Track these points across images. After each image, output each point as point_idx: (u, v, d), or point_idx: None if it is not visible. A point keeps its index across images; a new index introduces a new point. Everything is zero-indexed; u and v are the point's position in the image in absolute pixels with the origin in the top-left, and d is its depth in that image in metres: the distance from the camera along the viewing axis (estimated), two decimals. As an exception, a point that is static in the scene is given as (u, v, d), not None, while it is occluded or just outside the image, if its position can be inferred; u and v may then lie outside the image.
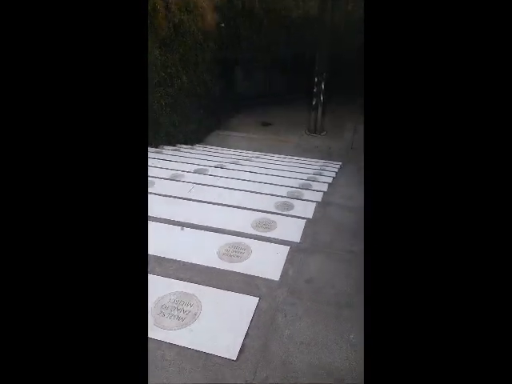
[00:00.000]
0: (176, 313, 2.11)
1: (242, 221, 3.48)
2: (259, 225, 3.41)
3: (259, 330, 2.05)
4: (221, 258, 2.75)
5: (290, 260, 2.79)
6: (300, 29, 9.86)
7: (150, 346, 1.89)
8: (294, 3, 9.57)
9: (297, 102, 11.65)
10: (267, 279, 2.55)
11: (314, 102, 9.79)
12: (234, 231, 3.22)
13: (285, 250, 2.91)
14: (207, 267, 2.63)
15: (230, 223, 3.41)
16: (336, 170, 7.16)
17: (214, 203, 3.95)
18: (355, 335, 2.05)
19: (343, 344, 2.00)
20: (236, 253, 2.82)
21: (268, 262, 2.74)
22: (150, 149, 7.45)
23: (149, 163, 5.63)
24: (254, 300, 2.28)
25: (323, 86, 9.42)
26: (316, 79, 9.38)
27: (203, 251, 2.84)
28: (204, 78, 8.72)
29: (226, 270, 2.62)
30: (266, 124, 11.07)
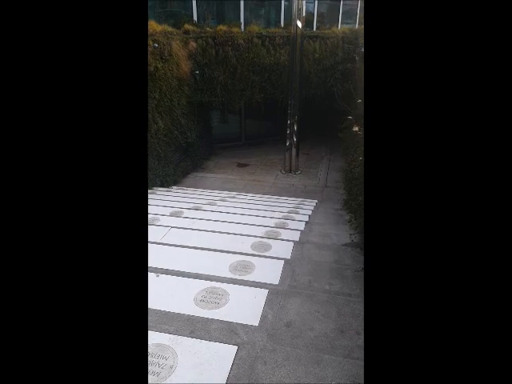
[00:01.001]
0: (151, 367, 1.99)
1: (219, 264, 3.42)
2: (236, 268, 3.36)
3: (238, 382, 1.96)
4: (197, 305, 2.66)
5: (269, 303, 2.73)
6: (272, 74, 10.35)
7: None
8: (266, 51, 10.10)
9: (272, 144, 11.98)
10: (246, 325, 2.47)
11: (287, 143, 10.08)
12: (211, 276, 3.15)
13: (263, 293, 2.86)
14: (183, 315, 2.54)
15: (207, 267, 3.34)
16: (312, 208, 7.26)
17: (189, 247, 3.88)
18: (337, 381, 1.99)
19: (326, 392, 1.93)
20: (213, 299, 2.75)
21: (246, 307, 2.67)
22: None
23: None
24: (233, 349, 2.19)
25: (296, 128, 9.76)
26: (289, 121, 9.74)
27: (179, 298, 2.74)
28: (180, 121, 8.88)
29: (204, 318, 2.53)
30: (241, 165, 11.24)
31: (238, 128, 13.01)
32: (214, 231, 4.60)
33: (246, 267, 3.39)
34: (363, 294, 2.98)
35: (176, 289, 2.89)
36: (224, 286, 2.94)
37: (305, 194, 9.00)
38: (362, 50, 8.51)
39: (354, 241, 4.52)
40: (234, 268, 3.36)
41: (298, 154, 10.34)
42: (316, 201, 8.09)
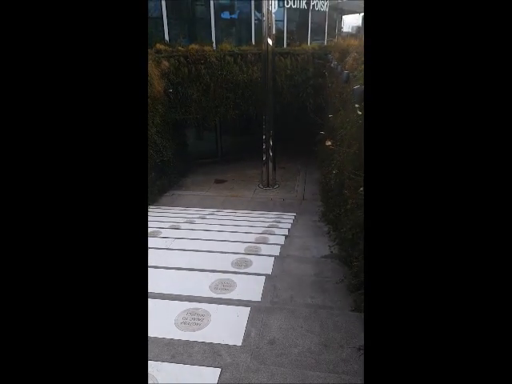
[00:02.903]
0: (130, 398, 1.91)
1: (200, 284, 3.37)
2: (217, 286, 3.31)
3: (223, 406, 1.91)
4: (178, 328, 2.60)
5: (251, 321, 2.70)
6: (245, 91, 10.47)
7: None
8: (239, 68, 10.23)
9: (248, 159, 12.03)
10: (229, 345, 2.43)
11: (264, 158, 10.15)
12: (192, 296, 3.09)
13: (245, 311, 2.82)
14: (164, 339, 2.46)
15: (187, 288, 3.27)
16: (291, 221, 7.29)
17: (169, 268, 3.80)
18: (323, 397, 1.98)
19: (312, 409, 1.91)
20: (195, 320, 2.69)
21: (229, 327, 2.63)
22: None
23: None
24: (216, 371, 2.14)
25: (271, 142, 9.86)
26: (264, 136, 9.83)
27: (159, 322, 2.67)
28: (155, 140, 8.81)
29: (185, 341, 2.47)
30: (219, 181, 11.21)
31: (215, 144, 13.02)
32: (193, 250, 4.54)
33: (227, 285, 3.35)
34: (346, 305, 3.00)
35: (155, 312, 2.81)
36: (205, 306, 2.89)
37: (283, 207, 9.04)
38: (332, 65, 8.77)
39: (333, 252, 4.55)
40: (215, 287, 3.31)
41: (274, 168, 10.42)
42: (295, 214, 8.13)
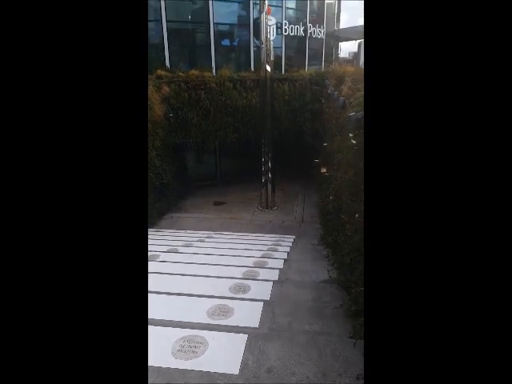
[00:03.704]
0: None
1: (197, 310, 3.34)
2: (215, 313, 3.28)
3: None
4: (175, 356, 2.57)
5: (249, 348, 2.67)
6: (244, 115, 10.68)
7: None
8: (238, 93, 10.47)
9: (247, 181, 12.11)
10: (226, 374, 2.40)
11: (263, 180, 10.24)
12: (189, 323, 3.06)
13: (243, 338, 2.80)
14: (160, 368, 2.43)
15: (184, 314, 3.25)
16: (290, 245, 7.27)
17: (166, 293, 3.78)
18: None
19: None
20: (192, 348, 2.66)
21: (226, 355, 2.60)
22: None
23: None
24: (213, 402, 2.11)
25: (270, 165, 9.97)
26: (263, 159, 9.95)
27: (155, 349, 2.63)
28: (154, 163, 8.90)
29: (182, 369, 2.43)
30: (218, 203, 11.25)
31: (214, 167, 13.15)
32: (191, 275, 4.52)
33: (225, 311, 3.33)
34: (344, 332, 2.97)
35: (151, 339, 2.77)
36: (202, 333, 2.86)
37: (282, 229, 9.04)
38: (329, 91, 8.97)
39: (332, 277, 4.53)
40: (213, 313, 3.29)
41: (273, 190, 10.49)
42: (294, 236, 8.12)
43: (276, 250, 6.57)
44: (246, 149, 12.31)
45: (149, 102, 8.61)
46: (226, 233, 8.62)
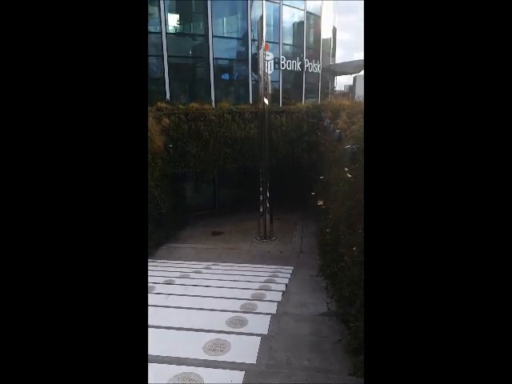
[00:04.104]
0: None
1: (193, 345, 3.26)
2: (211, 348, 3.20)
3: None
4: (169, 395, 2.48)
5: (245, 387, 2.59)
6: (243, 146, 10.86)
7: None
8: (237, 125, 10.70)
9: (246, 210, 12.12)
10: (222, 415, 2.31)
11: (261, 209, 10.25)
12: (184, 359, 2.98)
13: (240, 375, 2.72)
14: (154, 408, 2.35)
15: (179, 350, 3.17)
16: (288, 276, 7.17)
17: (160, 327, 3.69)
18: None
19: None
20: (187, 386, 2.58)
21: (222, 393, 2.52)
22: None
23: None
24: None
25: (268, 194, 10.02)
26: (261, 188, 10.02)
27: (149, 388, 2.55)
28: (153, 193, 8.93)
29: (176, 410, 2.35)
30: (216, 233, 11.19)
31: (212, 196, 13.20)
32: (187, 308, 4.43)
33: (222, 346, 3.25)
34: (344, 368, 2.90)
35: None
36: (198, 370, 2.78)
37: (281, 260, 8.95)
38: (325, 124, 9.17)
39: (331, 309, 4.46)
40: (209, 348, 3.21)
41: (271, 220, 10.47)
42: (292, 267, 8.03)
43: (274, 282, 6.48)
44: (244, 179, 12.41)
45: (149, 134, 8.76)
46: (223, 264, 8.53)
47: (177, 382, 2.61)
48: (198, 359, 3.01)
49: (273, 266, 8.21)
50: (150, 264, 8.07)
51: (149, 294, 5.15)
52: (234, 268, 8.04)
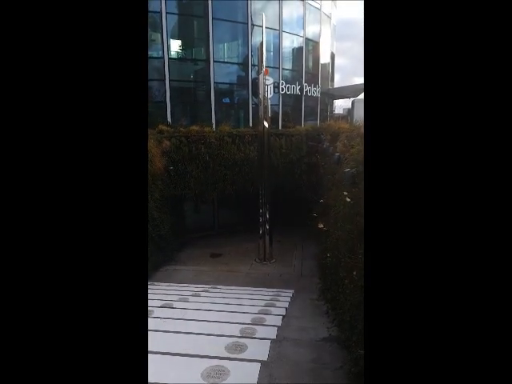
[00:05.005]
0: None
1: (191, 372, 3.18)
2: (210, 375, 3.13)
3: None
4: (166, 425, 2.40)
5: (245, 417, 2.51)
6: (243, 168, 10.95)
7: None
8: (236, 148, 10.82)
9: (245, 232, 12.07)
10: None
11: (261, 231, 10.21)
12: (182, 387, 2.90)
13: (239, 404, 2.64)
14: None
15: (177, 376, 3.09)
16: (288, 300, 7.07)
17: (157, 353, 3.61)
18: None
19: None
20: (184, 415, 2.50)
21: (220, 424, 2.44)
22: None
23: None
24: None
25: (268, 216, 10.01)
26: (261, 210, 10.01)
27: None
28: (153, 215, 8.92)
29: None
30: (215, 255, 11.11)
31: (211, 217, 13.17)
32: (185, 333, 4.35)
33: (220, 373, 3.17)
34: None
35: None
36: (196, 398, 2.71)
37: (280, 283, 8.85)
38: (324, 146, 9.28)
39: (332, 334, 4.37)
40: (207, 375, 3.13)
41: (271, 242, 10.41)
42: (292, 291, 7.92)
43: (274, 306, 6.38)
44: (243, 200, 12.44)
45: (150, 156, 8.84)
46: (222, 286, 8.42)
47: (174, 411, 2.54)
48: (195, 387, 2.93)
49: (273, 290, 8.11)
50: (148, 287, 7.97)
51: (146, 318, 5.07)
52: (233, 291, 7.93)
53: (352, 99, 18.55)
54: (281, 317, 5.46)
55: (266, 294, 7.62)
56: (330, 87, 17.77)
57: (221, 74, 12.15)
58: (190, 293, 7.41)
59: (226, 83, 12.74)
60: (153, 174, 8.94)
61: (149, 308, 5.63)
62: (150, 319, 5.02)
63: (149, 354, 3.55)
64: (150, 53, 10.71)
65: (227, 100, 12.84)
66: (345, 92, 17.87)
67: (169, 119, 11.10)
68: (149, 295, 6.78)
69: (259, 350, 3.82)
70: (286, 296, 7.41)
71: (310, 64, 15.39)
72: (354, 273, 2.82)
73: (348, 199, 3.15)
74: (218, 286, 8.41)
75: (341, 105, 22.24)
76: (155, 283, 8.51)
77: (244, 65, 12.66)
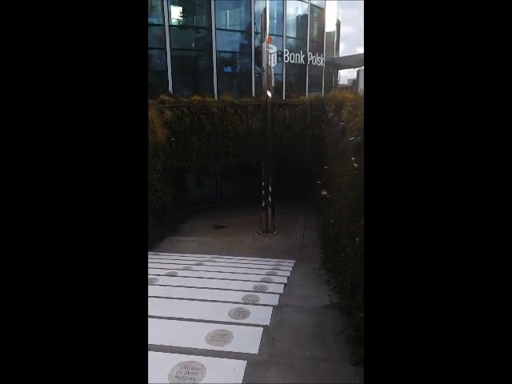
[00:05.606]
0: None
1: (196, 335, 3.27)
2: (214, 338, 3.21)
3: None
4: (173, 383, 2.49)
5: (248, 376, 2.60)
6: (245, 139, 10.83)
7: None
8: (239, 118, 10.66)
9: (247, 204, 12.12)
10: (224, 402, 2.32)
11: (263, 204, 10.24)
12: (187, 348, 2.99)
13: (242, 365, 2.73)
14: (156, 396, 2.36)
15: (182, 339, 3.18)
16: (290, 269, 7.19)
17: (164, 317, 3.71)
18: None
19: None
20: (189, 374, 2.59)
21: (225, 382, 2.53)
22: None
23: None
24: (210, 433, 2.03)
25: (270, 189, 10.01)
26: (264, 183, 10.00)
27: (152, 375, 2.55)
28: (155, 186, 8.94)
29: (178, 397, 2.36)
30: (218, 227, 11.21)
31: (214, 190, 13.19)
32: (189, 299, 4.45)
33: (224, 337, 3.26)
34: (346, 359, 2.90)
35: (148, 365, 2.71)
36: (201, 359, 2.79)
37: (283, 253, 8.96)
38: (328, 116, 9.13)
39: (334, 302, 4.46)
40: (212, 338, 3.22)
41: (273, 214, 10.46)
42: (294, 261, 8.04)
43: (276, 275, 6.49)
44: (246, 172, 12.40)
45: (151, 126, 8.75)
46: (225, 257, 8.55)
47: (180, 370, 2.62)
48: (200, 349, 3.02)
49: (275, 260, 8.22)
50: (152, 257, 8.10)
51: (152, 286, 5.18)
52: (235, 261, 8.06)
53: (357, 69, 18.11)
54: (282, 285, 5.56)
55: (268, 263, 7.73)
56: (335, 57, 17.29)
57: (223, 43, 11.79)
58: (194, 262, 7.53)
59: (229, 52, 12.38)
60: (155, 145, 8.88)
61: (154, 276, 5.74)
62: (154, 286, 5.13)
63: (154, 319, 3.66)
64: (150, 19, 10.36)
65: (229, 69, 12.54)
66: (350, 61, 17.39)
67: (170, 89, 10.89)
68: (153, 264, 6.90)
69: (262, 315, 3.90)
70: (287, 265, 7.53)
71: (315, 32, 14.89)
72: (357, 239, 2.83)
73: (355, 165, 3.12)
74: (222, 256, 8.53)
75: (345, 75, 21.76)
76: (159, 253, 8.64)
77: (247, 33, 12.26)
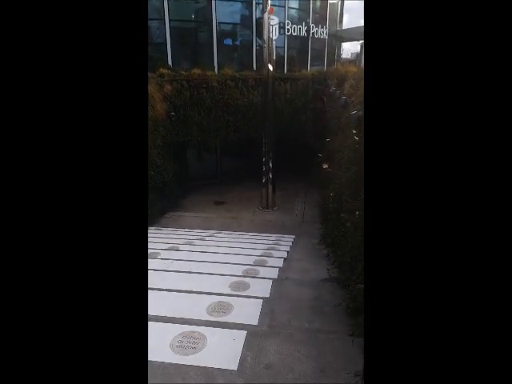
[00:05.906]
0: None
1: (197, 306, 3.34)
2: (214, 309, 3.28)
3: (217, 433, 1.87)
4: (174, 351, 2.57)
5: (247, 345, 2.67)
6: (246, 114, 10.69)
7: None
8: (240, 92, 10.48)
9: (248, 180, 12.11)
10: (224, 370, 2.40)
11: (264, 180, 10.23)
12: (188, 319, 3.06)
13: (242, 334, 2.80)
14: (159, 363, 2.43)
15: (184, 311, 3.25)
16: (290, 244, 7.26)
17: (165, 289, 3.78)
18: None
19: None
20: (190, 343, 2.66)
21: (225, 351, 2.60)
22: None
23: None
24: (211, 397, 2.11)
25: (271, 165, 9.97)
26: (264, 158, 9.94)
27: (154, 345, 2.63)
28: (156, 162, 8.90)
29: (180, 365, 2.44)
30: (218, 203, 11.25)
31: (215, 165, 13.15)
32: (191, 272, 4.52)
33: (224, 308, 3.33)
34: (344, 330, 2.97)
35: (151, 335, 2.77)
36: (201, 329, 2.87)
37: (283, 229, 9.03)
38: (331, 91, 8.97)
39: (332, 275, 4.53)
40: (212, 309, 3.29)
41: (274, 190, 10.47)
42: (294, 236, 8.11)
43: (276, 249, 6.57)
44: (247, 148, 12.32)
45: (151, 101, 8.62)
46: (226, 232, 8.62)
47: (181, 339, 2.69)
48: (201, 320, 3.09)
49: (275, 235, 8.29)
50: (154, 231, 8.18)
51: (154, 260, 5.25)
52: (236, 236, 8.13)
53: (361, 42, 17.63)
54: (282, 259, 5.63)
55: (269, 238, 7.81)
56: (338, 29, 16.80)
57: (223, 14, 11.43)
58: (195, 237, 7.61)
59: (229, 23, 12.02)
60: (154, 120, 8.78)
61: (155, 250, 5.81)
62: (157, 260, 5.20)
63: (155, 291, 3.72)
64: (147, -11, 10.03)
65: (229, 42, 12.21)
66: (354, 34, 16.91)
67: (169, 62, 10.65)
68: (155, 239, 6.97)
69: (262, 288, 3.97)
70: (287, 240, 7.60)
71: (318, 3, 14.41)
72: (357, 213, 2.84)
73: (356, 138, 3.08)
74: (222, 232, 8.61)
75: (349, 48, 21.21)
76: (161, 228, 8.71)
77: (248, 3, 11.86)
